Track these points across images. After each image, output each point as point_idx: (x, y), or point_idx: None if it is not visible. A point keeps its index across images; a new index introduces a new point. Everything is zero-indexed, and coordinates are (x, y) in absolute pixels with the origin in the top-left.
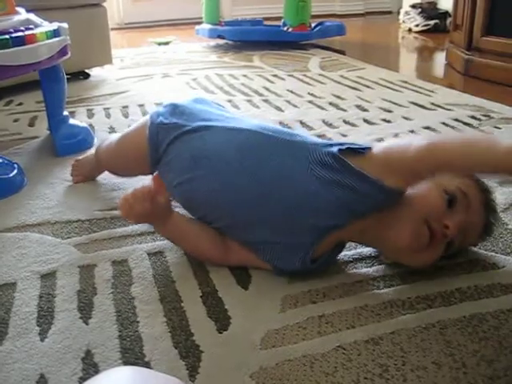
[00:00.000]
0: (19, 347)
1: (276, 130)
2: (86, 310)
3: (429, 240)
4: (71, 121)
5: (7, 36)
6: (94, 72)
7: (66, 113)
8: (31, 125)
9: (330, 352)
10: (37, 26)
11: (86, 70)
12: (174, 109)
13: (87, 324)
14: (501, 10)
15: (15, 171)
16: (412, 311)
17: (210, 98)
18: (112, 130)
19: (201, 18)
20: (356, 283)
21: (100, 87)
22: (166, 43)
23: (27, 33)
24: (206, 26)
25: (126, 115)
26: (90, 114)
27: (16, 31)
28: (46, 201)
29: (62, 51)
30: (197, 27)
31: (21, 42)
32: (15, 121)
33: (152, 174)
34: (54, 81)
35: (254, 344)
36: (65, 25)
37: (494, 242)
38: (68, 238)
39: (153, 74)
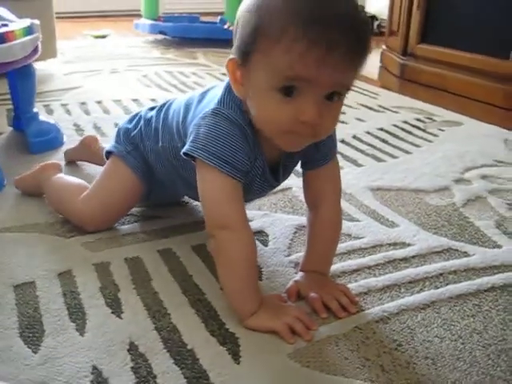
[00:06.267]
0: (62, 342)
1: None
2: (114, 305)
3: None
4: (41, 117)
5: None
6: (38, 66)
7: (35, 109)
8: None
9: (350, 332)
10: (10, 22)
11: None
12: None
13: (121, 318)
14: (434, 20)
15: None
16: (408, 294)
17: (166, 96)
18: (77, 127)
19: (135, 10)
20: (354, 272)
21: (49, 82)
22: (103, 37)
23: (4, 29)
24: (147, 22)
25: (87, 112)
26: (49, 110)
27: None
28: (34, 200)
29: (36, 49)
30: (136, 21)
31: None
32: None
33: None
34: (26, 78)
35: None
36: (36, 21)
37: (461, 233)
38: (72, 236)
39: (100, 69)
